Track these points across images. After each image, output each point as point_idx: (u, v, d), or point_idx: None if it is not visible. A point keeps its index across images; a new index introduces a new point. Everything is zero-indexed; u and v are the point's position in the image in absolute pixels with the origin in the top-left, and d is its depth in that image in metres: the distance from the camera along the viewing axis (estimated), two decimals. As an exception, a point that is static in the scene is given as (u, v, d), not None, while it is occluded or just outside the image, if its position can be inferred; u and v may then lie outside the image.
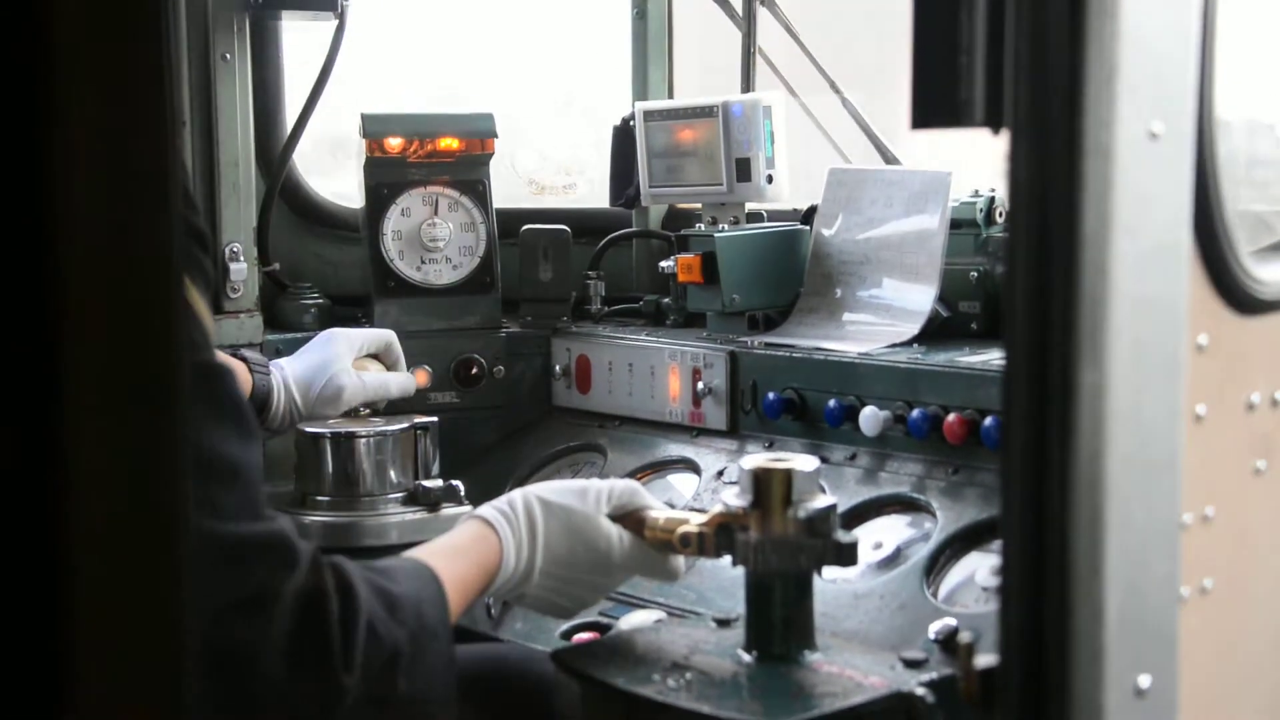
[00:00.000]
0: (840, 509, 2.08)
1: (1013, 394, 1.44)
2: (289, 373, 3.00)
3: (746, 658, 2.02)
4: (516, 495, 2.21)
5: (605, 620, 2.66)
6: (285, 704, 1.83)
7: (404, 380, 3.14)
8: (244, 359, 2.94)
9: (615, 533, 2.19)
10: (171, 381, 0.80)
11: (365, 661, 1.87)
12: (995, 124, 1.53)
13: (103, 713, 0.80)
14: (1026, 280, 1.44)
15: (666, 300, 3.47)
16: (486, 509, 2.20)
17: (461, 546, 2.15)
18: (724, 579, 2.62)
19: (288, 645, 1.80)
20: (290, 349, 3.48)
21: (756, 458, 2.08)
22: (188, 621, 0.81)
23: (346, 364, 3.05)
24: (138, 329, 0.80)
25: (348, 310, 3.72)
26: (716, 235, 3.17)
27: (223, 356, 2.75)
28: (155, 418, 0.80)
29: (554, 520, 2.18)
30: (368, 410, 3.09)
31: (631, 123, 3.54)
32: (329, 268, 3.87)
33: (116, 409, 0.79)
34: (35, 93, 0.78)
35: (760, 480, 2.01)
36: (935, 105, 1.57)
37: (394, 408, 3.17)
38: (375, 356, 3.15)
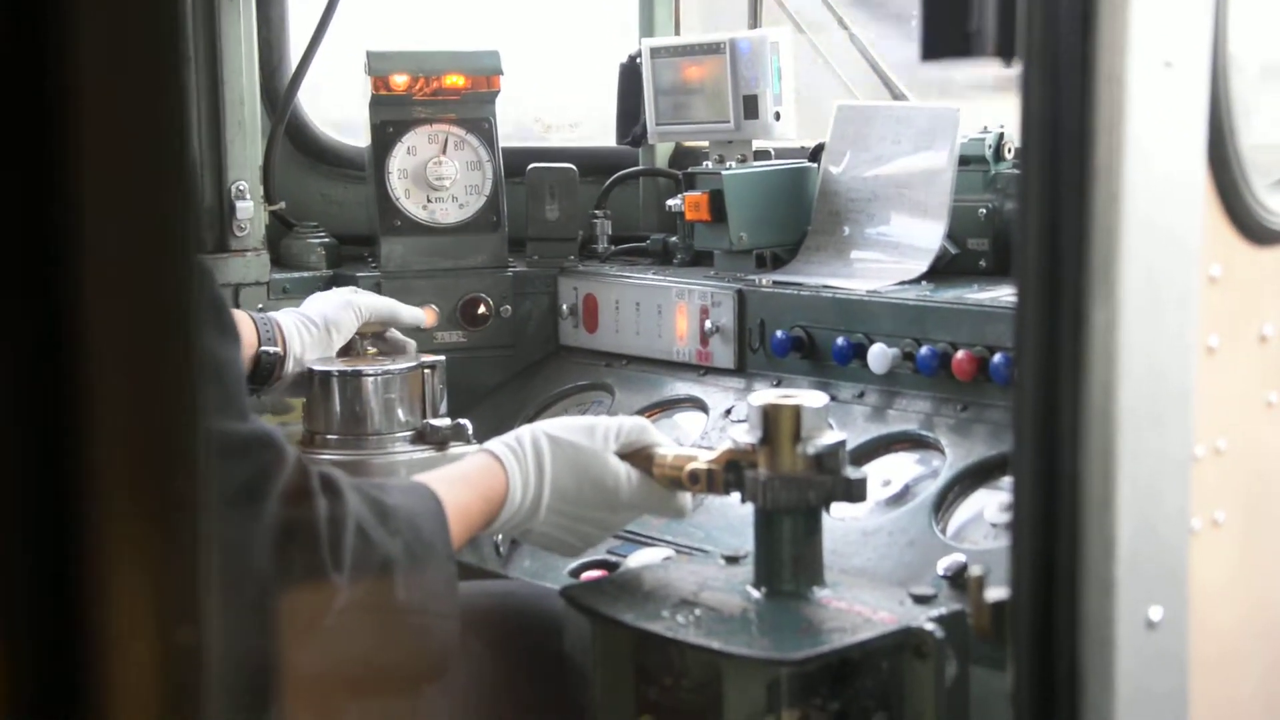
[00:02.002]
0: (849, 446, 2.08)
1: (1024, 323, 1.44)
2: (295, 313, 2.99)
3: (755, 594, 2.02)
4: (524, 431, 2.20)
5: (613, 558, 2.66)
6: (277, 602, 1.82)
7: (414, 311, 3.13)
8: (252, 319, 2.91)
9: (623, 470, 2.19)
10: (184, 288, 0.79)
11: (355, 563, 1.86)
12: (1006, 54, 1.51)
13: (120, 616, 0.80)
14: (1038, 211, 1.43)
15: (674, 239, 3.46)
16: (494, 443, 2.20)
17: (466, 476, 2.15)
18: (732, 516, 2.62)
19: (276, 542, 1.80)
20: (297, 288, 3.48)
21: (765, 394, 2.07)
22: (202, 520, 0.81)
23: (349, 293, 3.06)
24: (150, 243, 0.79)
25: (354, 250, 3.71)
26: (724, 173, 3.15)
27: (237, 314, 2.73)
28: (165, 323, 0.79)
29: (561, 456, 2.17)
30: (374, 349, 3.08)
31: (638, 60, 3.52)
32: (334, 207, 3.86)
33: (126, 316, 0.78)
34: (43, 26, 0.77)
35: (769, 416, 2.01)
36: (945, 36, 1.56)
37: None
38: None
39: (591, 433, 2.20)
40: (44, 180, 0.71)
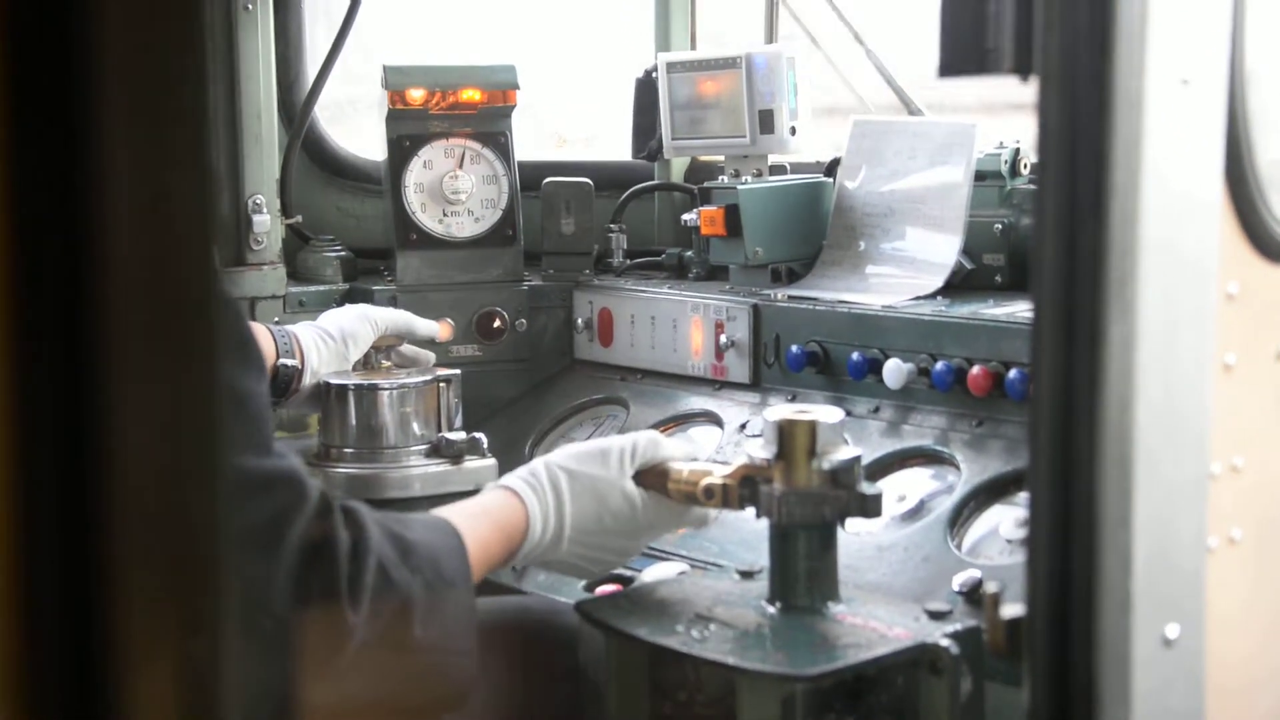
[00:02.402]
0: (864, 461, 2.07)
1: (1041, 342, 1.44)
2: (312, 326, 2.99)
3: (770, 609, 2.02)
4: (539, 465, 2.19)
5: (628, 572, 2.66)
6: (291, 641, 1.82)
7: (430, 324, 3.14)
8: (270, 332, 2.92)
9: (639, 496, 2.19)
10: (207, 320, 0.79)
11: (374, 601, 1.86)
12: (1024, 71, 1.51)
13: (140, 648, 0.80)
14: (1055, 229, 1.43)
15: (689, 253, 3.46)
16: (511, 479, 2.19)
17: (486, 511, 2.14)
18: (747, 531, 2.62)
19: (294, 581, 1.80)
20: (313, 301, 3.49)
21: (781, 409, 2.07)
22: (224, 556, 0.81)
23: (365, 306, 3.07)
24: (172, 273, 0.80)
25: (370, 263, 3.72)
26: (739, 188, 3.15)
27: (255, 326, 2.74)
28: (189, 355, 0.80)
29: (580, 489, 2.17)
30: (388, 362, 3.09)
31: (654, 74, 3.52)
32: (351, 220, 3.87)
33: (151, 348, 0.79)
34: (70, 40, 0.77)
35: (784, 431, 2.01)
36: (963, 53, 1.56)
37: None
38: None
39: (606, 460, 2.19)
40: (67, 204, 0.71)
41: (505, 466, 2.36)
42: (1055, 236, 1.44)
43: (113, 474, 0.74)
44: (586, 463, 2.18)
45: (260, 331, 2.87)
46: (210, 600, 0.78)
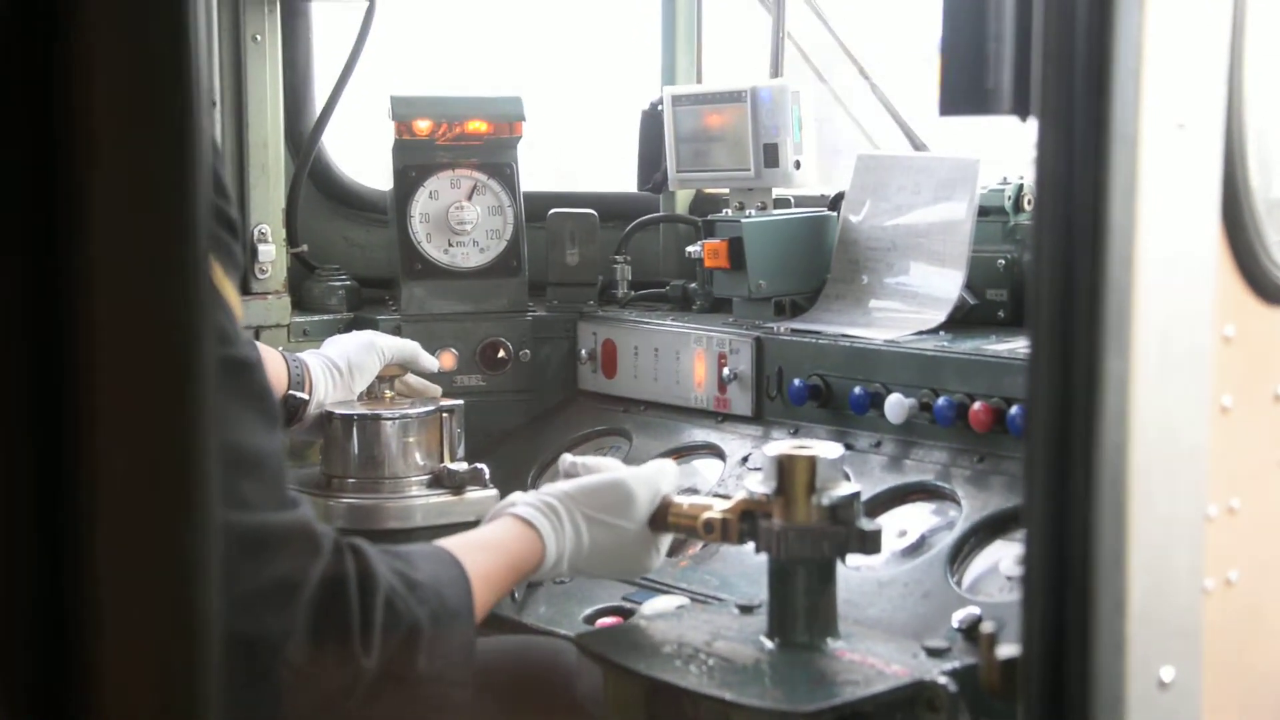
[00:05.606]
0: (865, 496, 2.08)
1: (1037, 383, 1.44)
2: (321, 356, 3.01)
3: (768, 645, 2.02)
4: (559, 505, 2.21)
5: (628, 605, 2.66)
6: (306, 688, 1.84)
7: (431, 358, 3.17)
8: (284, 360, 2.94)
9: (655, 544, 2.24)
10: (198, 374, 0.80)
11: (384, 637, 1.88)
12: (1022, 112, 1.52)
13: (127, 703, 0.80)
14: (1052, 269, 1.44)
15: (693, 285, 3.47)
16: (531, 512, 2.20)
17: (500, 545, 2.16)
18: (747, 565, 2.62)
19: (310, 632, 1.81)
20: (317, 330, 3.50)
21: (780, 444, 2.08)
22: (214, 613, 0.81)
23: (370, 335, 3.09)
24: (163, 321, 0.80)
25: (375, 293, 3.73)
26: (744, 221, 3.16)
27: (262, 348, 2.76)
28: (182, 409, 0.80)
29: (600, 534, 2.21)
30: (391, 393, 3.09)
31: (660, 107, 3.53)
32: (356, 250, 3.88)
33: (142, 401, 0.79)
34: (56, 73, 0.78)
35: (784, 467, 2.01)
36: (963, 92, 1.57)
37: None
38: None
39: (630, 511, 2.22)
40: (51, 260, 0.72)
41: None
42: (1052, 277, 1.44)
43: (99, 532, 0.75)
44: (613, 511, 2.22)
45: (275, 358, 2.89)
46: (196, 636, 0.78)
